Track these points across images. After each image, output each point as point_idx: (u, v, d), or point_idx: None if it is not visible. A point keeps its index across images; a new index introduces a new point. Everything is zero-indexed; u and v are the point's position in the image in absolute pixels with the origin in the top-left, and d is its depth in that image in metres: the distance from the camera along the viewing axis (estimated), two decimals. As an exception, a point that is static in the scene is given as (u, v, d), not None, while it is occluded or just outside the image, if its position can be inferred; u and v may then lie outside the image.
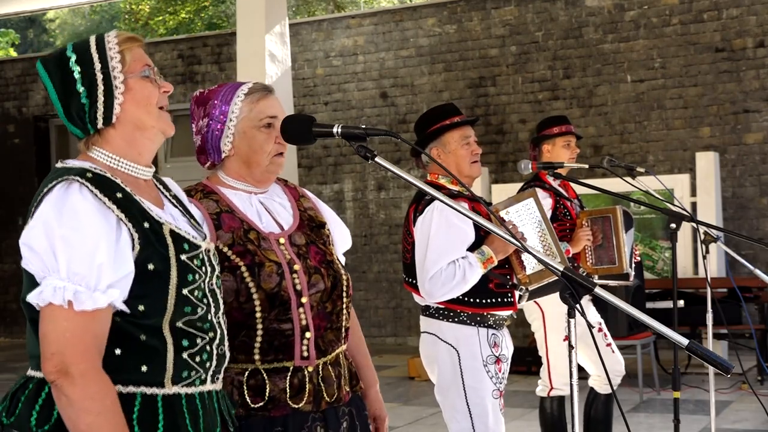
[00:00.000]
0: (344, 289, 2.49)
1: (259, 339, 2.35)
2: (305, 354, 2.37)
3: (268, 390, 2.35)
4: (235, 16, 10.04)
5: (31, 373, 1.94)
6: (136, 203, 1.97)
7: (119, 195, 1.94)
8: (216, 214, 2.41)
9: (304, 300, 2.38)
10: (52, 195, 1.90)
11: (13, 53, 21.09)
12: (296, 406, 2.36)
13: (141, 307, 1.91)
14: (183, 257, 1.98)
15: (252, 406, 2.34)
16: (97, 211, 1.90)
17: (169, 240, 1.97)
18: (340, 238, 2.65)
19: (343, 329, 2.50)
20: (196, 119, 2.50)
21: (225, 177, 2.51)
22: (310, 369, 2.39)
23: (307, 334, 2.37)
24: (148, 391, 1.93)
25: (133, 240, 1.92)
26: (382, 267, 11.32)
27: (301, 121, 2.22)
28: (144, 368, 1.93)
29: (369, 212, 11.46)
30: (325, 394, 2.41)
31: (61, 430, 1.87)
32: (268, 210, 2.51)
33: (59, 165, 2.02)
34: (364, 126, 2.12)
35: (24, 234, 1.89)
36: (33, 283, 1.88)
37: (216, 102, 2.48)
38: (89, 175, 1.93)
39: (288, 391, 2.36)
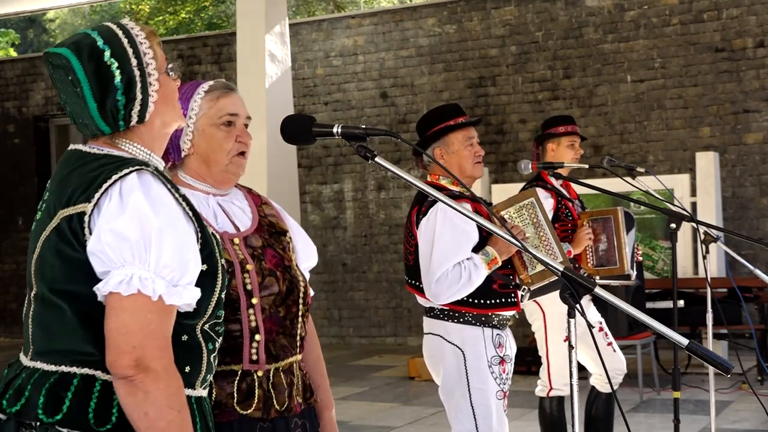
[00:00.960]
0: (301, 295, 2.40)
1: None
2: (254, 357, 2.28)
3: (214, 394, 2.25)
4: (235, 16, 10.04)
5: (64, 368, 1.84)
6: (190, 201, 1.94)
7: (181, 191, 1.91)
8: None
9: (254, 301, 2.29)
10: (133, 183, 1.82)
11: (13, 53, 21.09)
12: (244, 413, 2.26)
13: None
14: (222, 260, 1.98)
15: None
16: (176, 205, 1.86)
17: (215, 242, 1.96)
18: (304, 252, 2.55)
19: (298, 337, 2.40)
20: None
21: (184, 176, 2.44)
22: (260, 374, 2.29)
23: (257, 337, 2.28)
24: (186, 392, 1.89)
25: (197, 238, 1.89)
26: (382, 267, 11.32)
27: (301, 121, 2.21)
28: (187, 369, 1.90)
29: (369, 212, 11.46)
30: (275, 402, 2.30)
31: (123, 428, 1.80)
32: (225, 212, 2.44)
33: (95, 150, 1.93)
34: (364, 126, 2.12)
35: (111, 219, 1.79)
36: (86, 273, 1.79)
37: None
38: (151, 167, 1.88)
39: (235, 396, 2.26)
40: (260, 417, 2.28)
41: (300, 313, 2.40)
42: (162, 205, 1.82)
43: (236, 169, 2.44)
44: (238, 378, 2.27)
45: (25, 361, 1.92)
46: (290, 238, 2.51)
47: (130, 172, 1.83)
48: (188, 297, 1.83)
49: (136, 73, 1.92)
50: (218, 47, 12.31)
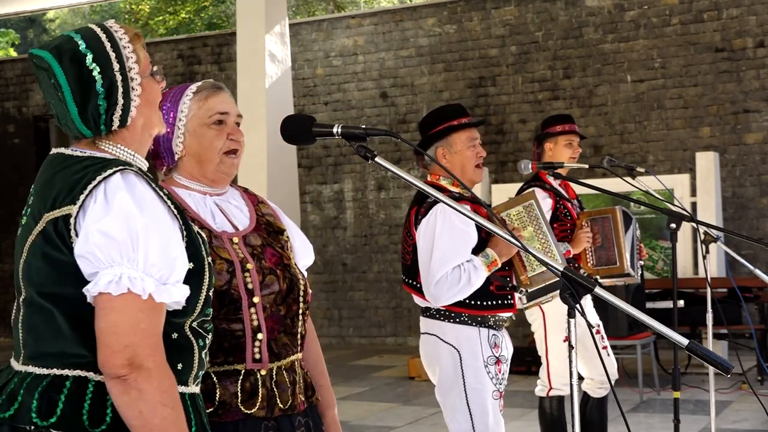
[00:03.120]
0: (301, 293, 2.41)
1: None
2: (257, 356, 2.29)
3: (218, 394, 2.25)
4: (235, 16, 10.04)
5: (56, 371, 1.84)
6: (175, 201, 1.95)
7: (165, 191, 1.92)
8: None
9: (256, 300, 2.30)
10: (118, 183, 1.82)
11: (13, 53, 21.09)
12: (248, 412, 2.26)
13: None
14: (209, 259, 1.98)
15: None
16: (161, 204, 1.87)
17: (200, 240, 1.97)
18: (302, 250, 2.56)
19: (299, 336, 2.41)
20: None
21: (179, 178, 2.45)
22: (263, 372, 2.29)
23: (259, 336, 2.29)
24: (179, 389, 1.89)
25: (182, 236, 1.90)
26: (382, 267, 11.32)
27: (301, 121, 2.21)
28: (179, 366, 1.91)
29: (369, 212, 11.46)
30: (278, 400, 2.31)
31: (117, 428, 1.81)
32: (223, 211, 2.44)
33: (78, 153, 1.93)
34: (364, 126, 2.12)
35: (98, 220, 1.78)
36: (73, 275, 1.79)
37: (166, 104, 2.44)
38: (135, 167, 1.89)
39: (239, 395, 2.26)
40: (264, 416, 2.29)
41: (300, 312, 2.41)
42: (147, 204, 1.83)
43: (227, 169, 2.44)
44: (241, 377, 2.28)
45: (17, 365, 1.92)
46: (288, 237, 2.51)
47: (114, 172, 1.84)
48: (178, 294, 1.84)
49: (118, 77, 1.91)
50: (218, 47, 12.31)
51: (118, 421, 1.80)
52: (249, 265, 2.32)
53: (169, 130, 2.42)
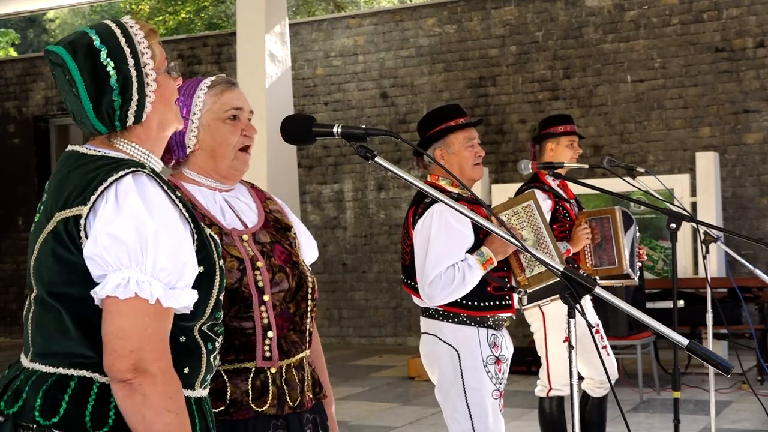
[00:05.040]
0: (309, 291, 2.42)
1: None
2: (267, 354, 2.30)
3: (229, 393, 2.27)
4: (235, 16, 10.04)
5: (62, 370, 1.83)
6: (187, 203, 1.92)
7: (178, 193, 1.90)
8: None
9: (266, 298, 2.30)
10: (129, 186, 1.80)
11: (13, 53, 21.09)
12: (259, 410, 2.28)
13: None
14: (220, 262, 1.96)
15: (212, 410, 2.25)
16: (173, 207, 1.85)
17: (212, 243, 1.95)
18: (307, 246, 2.57)
19: (307, 333, 2.42)
20: None
21: (189, 173, 2.45)
22: (273, 370, 2.30)
23: (270, 334, 2.30)
24: (185, 393, 1.88)
25: (193, 240, 1.87)
26: (382, 267, 11.32)
27: (301, 121, 2.22)
28: (186, 370, 1.89)
29: (369, 212, 11.46)
30: (288, 398, 2.33)
31: (120, 431, 1.80)
32: (232, 207, 2.44)
33: (92, 151, 1.91)
34: (364, 126, 2.12)
35: (108, 223, 1.77)
36: (82, 276, 1.78)
37: (179, 98, 2.40)
38: (148, 169, 1.87)
39: (250, 393, 2.28)
40: (275, 414, 2.30)
41: (309, 309, 2.42)
42: (158, 208, 1.81)
43: (241, 165, 2.45)
44: (252, 375, 2.29)
45: (25, 362, 1.91)
46: (295, 233, 2.52)
47: (126, 173, 1.82)
48: (186, 299, 1.82)
49: (133, 73, 1.89)
50: (218, 47, 12.31)
51: (120, 424, 1.79)
52: (259, 263, 2.33)
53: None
